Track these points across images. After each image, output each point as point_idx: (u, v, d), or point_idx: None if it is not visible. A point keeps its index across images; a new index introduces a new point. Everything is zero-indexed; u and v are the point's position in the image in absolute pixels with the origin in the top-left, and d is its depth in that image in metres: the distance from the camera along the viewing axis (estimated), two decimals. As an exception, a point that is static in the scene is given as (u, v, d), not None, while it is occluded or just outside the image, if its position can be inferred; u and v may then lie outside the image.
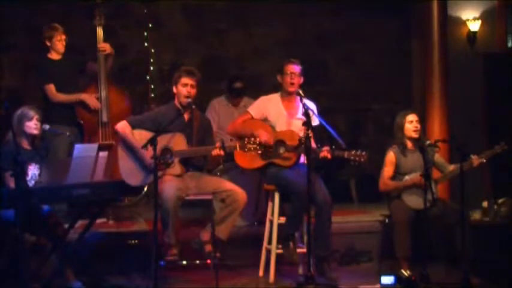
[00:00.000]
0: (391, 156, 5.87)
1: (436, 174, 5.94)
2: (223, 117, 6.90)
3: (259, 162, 5.70)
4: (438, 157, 5.95)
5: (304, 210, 5.46)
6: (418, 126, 5.85)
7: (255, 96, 6.14)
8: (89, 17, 6.72)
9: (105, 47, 6.58)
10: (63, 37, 6.46)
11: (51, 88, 6.41)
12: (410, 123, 5.85)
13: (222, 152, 5.36)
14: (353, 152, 5.50)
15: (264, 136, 5.53)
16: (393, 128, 5.95)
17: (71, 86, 6.51)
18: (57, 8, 8.05)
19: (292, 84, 5.70)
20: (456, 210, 5.65)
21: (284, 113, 5.79)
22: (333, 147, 5.51)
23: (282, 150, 5.66)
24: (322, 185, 5.60)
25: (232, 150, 5.52)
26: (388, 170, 5.85)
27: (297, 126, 5.61)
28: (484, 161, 5.76)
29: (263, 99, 5.89)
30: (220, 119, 6.89)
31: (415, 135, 5.84)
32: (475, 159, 5.73)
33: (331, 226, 5.60)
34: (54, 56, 6.50)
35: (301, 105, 5.54)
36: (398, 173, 5.85)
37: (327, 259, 5.59)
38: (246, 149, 5.37)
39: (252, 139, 5.36)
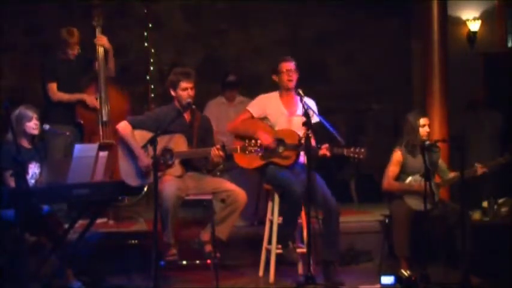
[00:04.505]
0: (398, 155, 5.83)
1: (438, 177, 5.93)
2: (219, 118, 6.89)
3: (258, 162, 5.69)
4: (442, 162, 5.95)
5: (299, 210, 5.48)
6: (428, 130, 5.83)
7: (255, 96, 6.13)
8: (88, 17, 6.71)
9: (101, 39, 6.53)
10: (77, 47, 6.46)
11: (52, 86, 6.42)
12: (423, 127, 5.81)
13: (222, 154, 5.36)
14: (352, 149, 5.50)
15: (266, 140, 5.53)
16: (403, 128, 5.89)
17: (73, 87, 6.51)
18: (57, 8, 8.05)
19: (290, 80, 5.71)
20: (456, 211, 5.65)
21: (284, 111, 5.78)
22: (332, 144, 5.51)
23: (281, 149, 5.65)
24: (328, 191, 5.57)
25: (232, 152, 5.52)
26: (393, 170, 5.81)
27: (297, 123, 5.60)
28: (488, 170, 5.77)
29: (262, 98, 5.88)
30: (217, 120, 6.88)
31: (424, 138, 5.80)
32: (479, 168, 5.74)
33: (340, 232, 5.59)
34: (62, 57, 6.50)
35: (300, 102, 5.54)
36: (402, 173, 5.83)
37: (333, 263, 5.58)
38: (247, 152, 5.36)
39: (253, 141, 5.35)
